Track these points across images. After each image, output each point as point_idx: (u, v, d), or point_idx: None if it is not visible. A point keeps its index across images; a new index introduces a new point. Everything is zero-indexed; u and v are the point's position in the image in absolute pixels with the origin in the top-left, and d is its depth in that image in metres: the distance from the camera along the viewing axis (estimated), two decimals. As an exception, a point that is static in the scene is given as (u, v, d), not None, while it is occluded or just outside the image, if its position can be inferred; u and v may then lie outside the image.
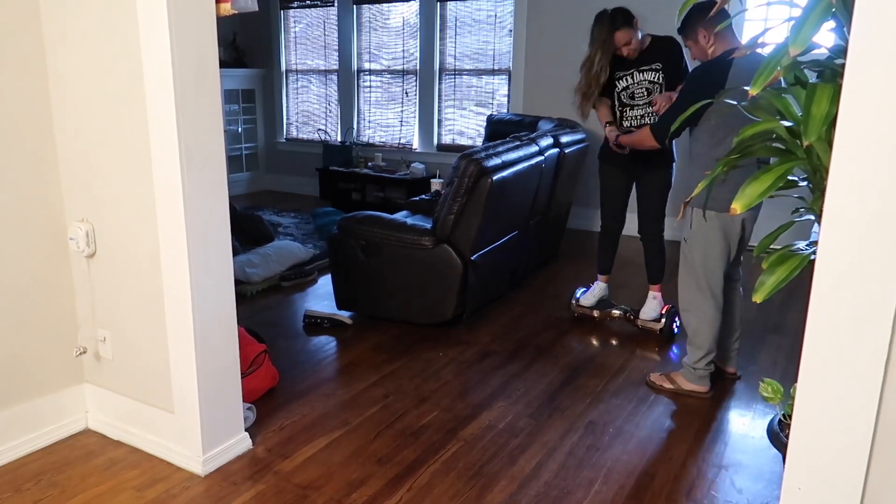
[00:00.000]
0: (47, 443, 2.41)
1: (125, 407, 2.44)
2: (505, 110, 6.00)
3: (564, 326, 3.62)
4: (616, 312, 3.60)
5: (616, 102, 3.44)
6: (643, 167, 3.42)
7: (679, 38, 3.20)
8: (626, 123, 3.43)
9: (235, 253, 3.93)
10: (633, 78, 3.36)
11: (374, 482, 2.23)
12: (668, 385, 2.89)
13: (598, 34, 3.28)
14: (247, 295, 4.01)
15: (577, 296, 3.71)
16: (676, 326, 3.47)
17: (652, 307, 3.52)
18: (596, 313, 3.65)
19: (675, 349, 3.35)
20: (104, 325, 2.42)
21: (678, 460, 2.39)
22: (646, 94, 3.36)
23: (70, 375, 2.50)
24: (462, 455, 2.40)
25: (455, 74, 6.29)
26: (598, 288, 3.71)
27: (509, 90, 5.97)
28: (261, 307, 3.91)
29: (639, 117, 3.39)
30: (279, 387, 2.86)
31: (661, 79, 3.33)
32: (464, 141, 6.38)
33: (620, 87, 3.40)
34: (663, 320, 3.45)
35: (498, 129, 5.22)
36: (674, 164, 3.45)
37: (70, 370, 2.49)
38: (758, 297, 1.74)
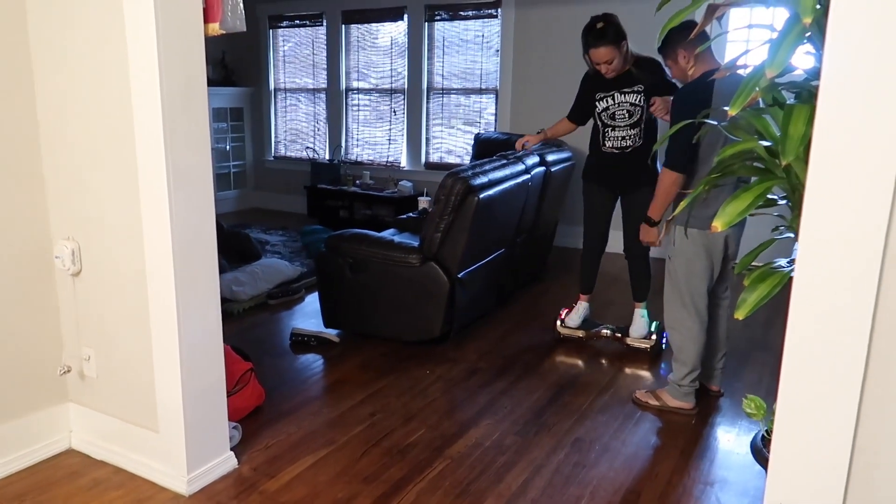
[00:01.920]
0: (30, 463, 2.39)
1: (109, 426, 2.42)
2: (492, 129, 6.05)
3: (551, 344, 3.63)
4: (605, 332, 3.58)
5: (598, 123, 3.43)
6: (627, 186, 3.43)
7: (659, 58, 3.23)
8: (608, 144, 3.41)
9: (222, 271, 3.93)
10: (613, 99, 3.34)
11: (361, 501, 2.22)
12: (653, 402, 2.90)
13: (582, 42, 3.26)
14: (234, 313, 4.00)
15: (563, 317, 3.69)
16: (664, 343, 3.49)
17: (640, 325, 3.52)
18: (582, 333, 3.63)
19: (664, 366, 3.37)
20: (89, 343, 2.41)
21: (664, 477, 2.40)
22: (627, 115, 3.33)
23: (54, 394, 2.48)
24: (449, 473, 2.40)
25: (443, 93, 6.34)
26: (582, 308, 3.68)
27: (496, 109, 6.03)
28: (248, 325, 3.90)
29: (620, 138, 3.38)
30: (265, 405, 2.85)
31: (641, 101, 3.31)
32: (451, 159, 6.42)
33: (601, 108, 3.38)
34: (653, 337, 3.46)
35: (485, 148, 5.26)
36: None
37: (54, 389, 2.47)
38: (740, 314, 1.77)
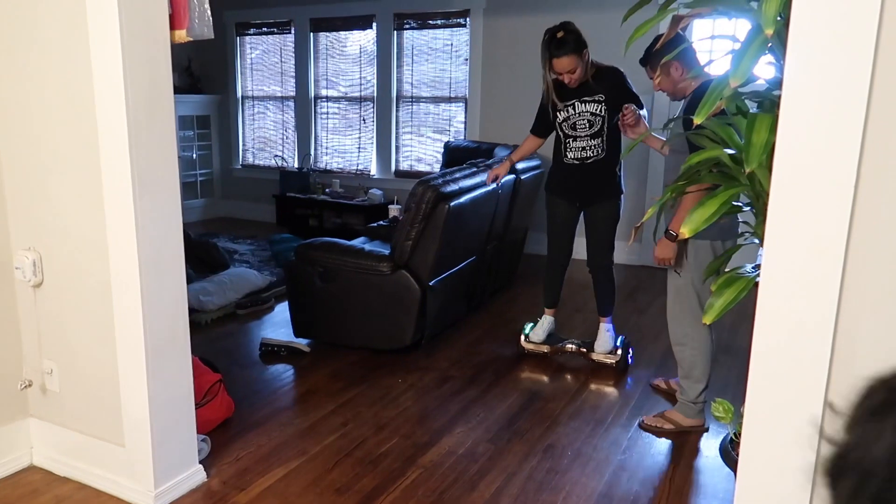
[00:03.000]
0: (-12, 481, 2.32)
1: (72, 441, 2.35)
2: (462, 137, 6.08)
3: (521, 353, 3.63)
4: (570, 346, 3.51)
5: (559, 134, 3.35)
6: (591, 199, 3.36)
7: (621, 66, 3.22)
8: (570, 154, 3.32)
9: (189, 281, 3.86)
10: (574, 109, 3.25)
11: (333, 512, 2.20)
12: (667, 426, 2.78)
13: (542, 53, 3.16)
14: (202, 323, 3.94)
15: (527, 332, 3.61)
16: (630, 357, 3.47)
17: (605, 340, 3.45)
18: (546, 349, 3.56)
19: (629, 380, 3.32)
20: (51, 356, 2.35)
21: (635, 481, 2.42)
22: (587, 125, 3.25)
23: (14, 410, 2.41)
24: (421, 482, 2.38)
25: (412, 101, 6.35)
26: (547, 322, 3.60)
27: (466, 117, 6.05)
28: (216, 336, 3.84)
29: (581, 149, 3.29)
30: (235, 417, 2.80)
31: (603, 110, 3.22)
32: (421, 167, 6.43)
33: (562, 118, 3.29)
34: (619, 352, 3.42)
35: (455, 156, 5.27)
36: (622, 195, 3.39)
37: (14, 404, 2.40)
38: (707, 319, 1.80)
